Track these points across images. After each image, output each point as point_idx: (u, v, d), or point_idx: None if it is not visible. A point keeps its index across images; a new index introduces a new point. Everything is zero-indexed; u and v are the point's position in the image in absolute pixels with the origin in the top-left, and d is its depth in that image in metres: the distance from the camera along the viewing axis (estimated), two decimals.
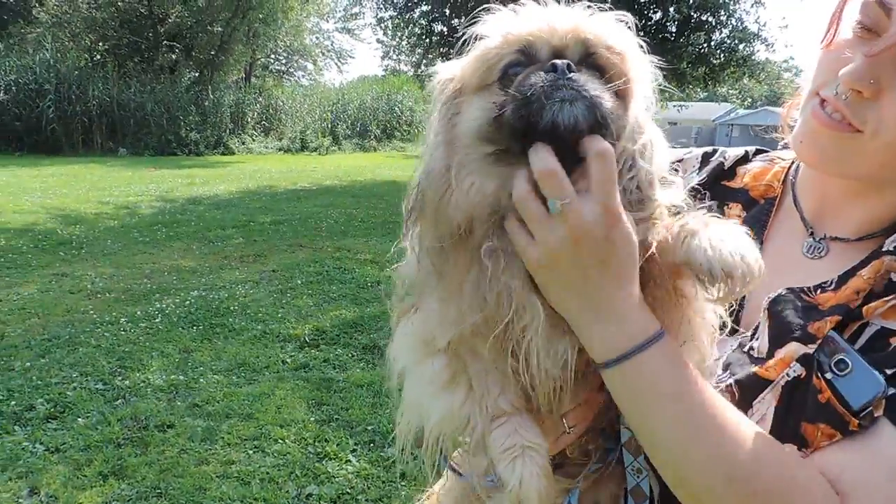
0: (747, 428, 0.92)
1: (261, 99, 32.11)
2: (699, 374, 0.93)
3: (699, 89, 24.34)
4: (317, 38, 44.81)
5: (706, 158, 1.34)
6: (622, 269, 0.92)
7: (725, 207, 1.23)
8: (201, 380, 5.33)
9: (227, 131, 29.12)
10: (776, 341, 1.04)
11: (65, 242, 9.86)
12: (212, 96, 28.82)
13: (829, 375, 0.94)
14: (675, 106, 28.00)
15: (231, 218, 12.33)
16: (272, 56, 41.42)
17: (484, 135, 0.94)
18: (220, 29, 30.77)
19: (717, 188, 1.27)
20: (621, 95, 0.94)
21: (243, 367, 5.62)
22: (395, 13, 23.26)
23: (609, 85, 0.92)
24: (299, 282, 8.21)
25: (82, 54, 28.71)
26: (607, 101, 0.90)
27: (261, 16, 31.07)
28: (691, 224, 0.94)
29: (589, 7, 0.97)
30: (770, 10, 58.82)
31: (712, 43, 20.67)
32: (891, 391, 0.91)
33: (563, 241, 0.89)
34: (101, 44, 30.12)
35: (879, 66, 0.91)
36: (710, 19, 20.33)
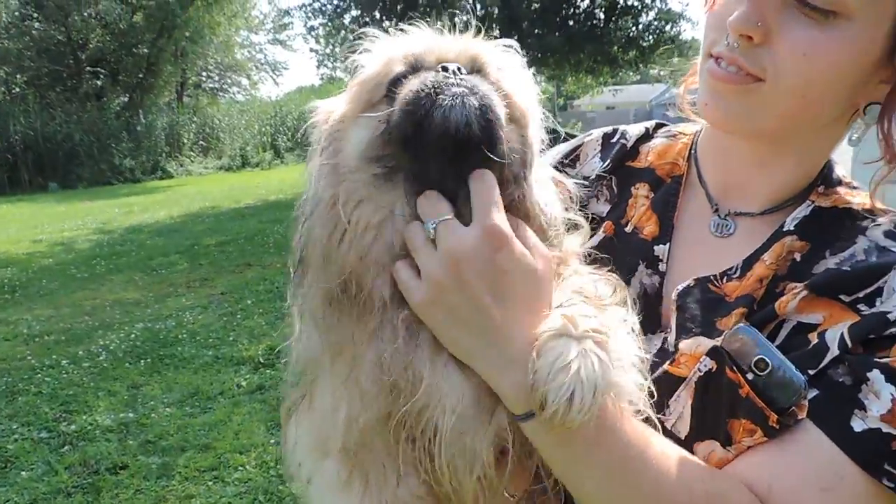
0: (670, 459, 0.88)
1: (196, 119, 31.25)
2: (616, 410, 0.85)
3: (632, 72, 24.92)
4: (248, 51, 43.88)
5: (606, 140, 1.30)
6: (522, 299, 0.85)
7: (633, 188, 1.20)
8: (153, 415, 5.12)
9: (164, 155, 28.21)
10: (683, 334, 1.01)
11: None
12: (143, 120, 27.89)
13: (750, 376, 0.91)
14: (609, 90, 28.61)
15: (174, 244, 11.93)
16: (204, 74, 40.35)
17: (371, 153, 0.87)
18: (145, 51, 29.81)
19: (622, 171, 1.24)
20: (514, 120, 0.90)
21: (196, 397, 5.43)
22: (325, 20, 22.99)
23: (501, 95, 0.87)
24: (249, 302, 8.01)
25: None
26: (499, 105, 0.85)
27: (187, 34, 30.25)
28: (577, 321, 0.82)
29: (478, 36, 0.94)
30: None
31: (640, 26, 21.17)
32: (813, 393, 0.89)
33: (443, 267, 0.83)
34: (18, 75, 28.77)
35: (763, 6, 0.89)
36: (636, 3, 20.82)
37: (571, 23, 21.33)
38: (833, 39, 0.88)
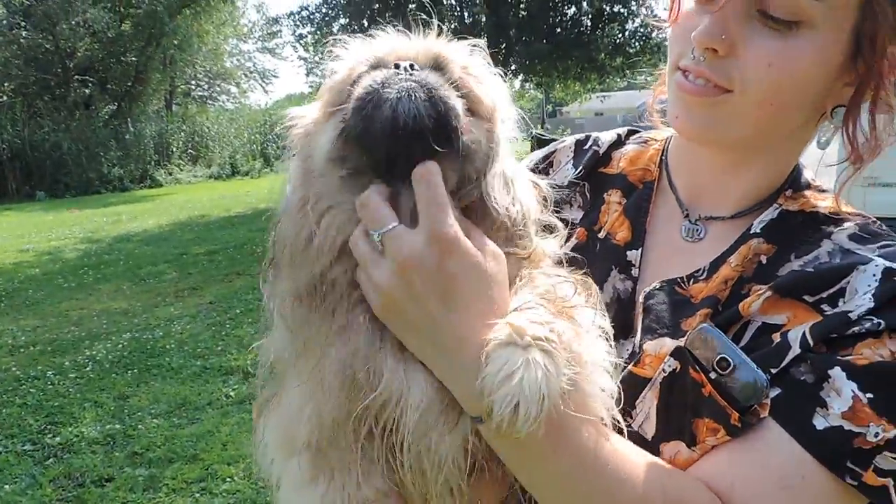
0: (627, 462, 0.87)
1: (185, 127, 31.16)
2: (572, 411, 0.83)
3: (619, 79, 25.10)
4: (237, 60, 43.93)
5: (579, 147, 1.31)
6: (474, 303, 0.84)
7: (606, 195, 1.21)
8: (140, 426, 5.08)
9: (152, 163, 28.10)
10: (647, 336, 1.02)
11: None
12: (132, 128, 27.77)
13: (713, 375, 0.92)
14: (597, 97, 28.81)
15: (163, 253, 11.87)
16: (192, 82, 40.29)
17: (335, 154, 0.87)
18: (134, 59, 29.70)
19: (594, 177, 1.25)
20: (479, 116, 0.90)
21: (184, 407, 5.39)
22: (314, 28, 23.02)
23: (458, 93, 0.87)
24: (238, 311, 7.97)
25: None
26: (453, 98, 0.84)
27: (175, 42, 30.19)
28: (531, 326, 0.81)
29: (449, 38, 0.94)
30: None
31: (626, 33, 21.36)
32: (775, 392, 0.89)
33: (392, 276, 0.82)
34: (5, 84, 28.53)
35: (725, 19, 0.90)
36: (623, 10, 21.01)
37: (559, 30, 21.50)
38: (797, 48, 0.89)
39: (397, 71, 0.85)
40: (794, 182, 1.07)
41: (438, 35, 0.94)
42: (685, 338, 0.96)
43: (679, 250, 1.11)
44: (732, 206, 1.09)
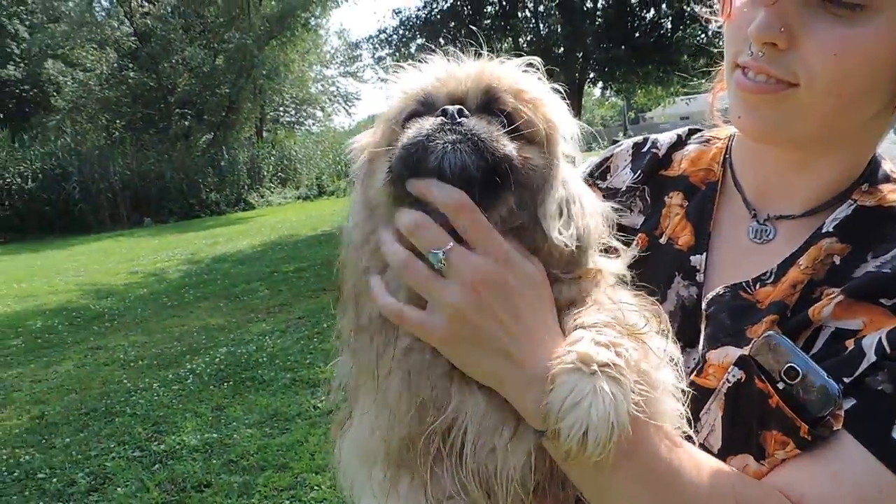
0: (702, 469, 0.84)
1: (274, 151, 32.80)
2: (641, 417, 0.81)
3: (704, 80, 24.12)
4: (322, 85, 45.80)
5: (637, 150, 1.27)
6: (534, 313, 0.84)
7: (667, 198, 1.17)
8: (235, 435, 5.35)
9: (246, 187, 29.75)
10: (711, 344, 0.97)
11: (98, 316, 10.10)
12: (227, 156, 29.56)
13: (780, 385, 0.87)
14: (682, 100, 27.82)
15: (255, 271, 12.51)
16: (281, 109, 42.43)
17: (390, 194, 0.87)
18: (227, 90, 31.68)
19: (654, 180, 1.20)
20: (537, 142, 0.88)
21: (275, 418, 5.64)
22: (392, 50, 23.70)
23: (510, 128, 0.85)
24: (326, 325, 8.24)
25: (100, 133, 29.92)
26: (505, 143, 0.83)
27: (264, 72, 31.93)
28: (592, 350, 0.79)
29: (503, 59, 0.93)
30: None
31: (710, 32, 20.54)
32: (850, 402, 0.84)
33: (463, 294, 0.81)
34: (117, 121, 31.30)
35: (783, 11, 0.86)
36: (705, 9, 20.25)
37: (637, 34, 21.01)
38: (863, 34, 0.84)
39: (444, 120, 0.84)
40: (871, 176, 1.00)
41: (490, 57, 0.93)
42: (750, 346, 0.91)
43: (747, 253, 1.05)
44: (803, 204, 1.02)
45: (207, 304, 10.32)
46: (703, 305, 1.02)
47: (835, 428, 0.84)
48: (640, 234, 1.15)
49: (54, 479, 4.89)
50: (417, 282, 0.83)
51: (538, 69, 0.94)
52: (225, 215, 26.74)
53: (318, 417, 5.55)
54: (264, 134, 38.07)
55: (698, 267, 1.07)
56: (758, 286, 0.98)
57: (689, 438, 0.88)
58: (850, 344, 0.87)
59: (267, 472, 4.70)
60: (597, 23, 21.48)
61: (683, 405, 0.87)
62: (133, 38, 30.39)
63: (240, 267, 13.29)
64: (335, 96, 47.35)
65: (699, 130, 1.25)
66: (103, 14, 30.28)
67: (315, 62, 41.61)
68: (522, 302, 0.84)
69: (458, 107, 0.85)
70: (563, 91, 0.95)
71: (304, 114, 45.98)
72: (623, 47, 20.60)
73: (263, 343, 7.79)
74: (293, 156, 33.33)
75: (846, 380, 0.84)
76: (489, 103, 0.88)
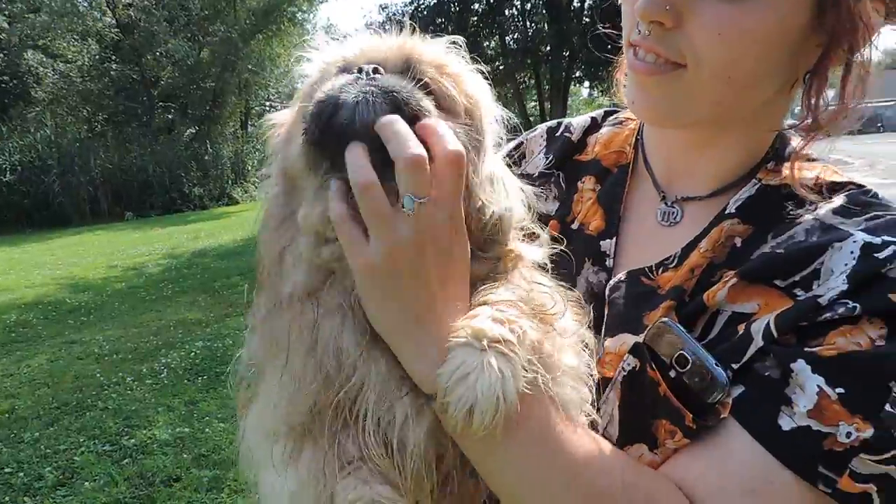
0: (590, 448, 0.82)
1: (259, 146, 32.55)
2: (530, 395, 0.79)
3: None
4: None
5: (551, 135, 1.23)
6: (457, 286, 0.82)
7: (580, 183, 1.14)
8: (207, 430, 5.31)
9: (230, 182, 29.51)
10: (610, 332, 0.95)
11: (74, 310, 9.97)
12: (211, 150, 29.31)
13: (671, 373, 0.85)
14: None
15: (235, 266, 12.40)
16: (267, 103, 42.15)
17: (307, 162, 0.84)
18: (212, 84, 31.38)
19: (568, 165, 1.17)
20: (455, 115, 0.85)
21: None
22: None
23: (427, 92, 0.83)
24: None
25: (81, 126, 29.46)
26: (418, 97, 0.81)
27: (250, 66, 31.67)
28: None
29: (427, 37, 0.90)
30: None
31: None
32: (738, 389, 0.81)
33: (408, 241, 0.77)
34: (98, 114, 30.85)
35: None
36: None
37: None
38: (750, 13, 0.79)
39: (359, 76, 0.82)
40: (777, 154, 0.96)
41: (413, 34, 0.90)
42: (644, 333, 0.89)
43: (655, 236, 1.02)
44: (708, 184, 0.99)
45: (186, 298, 10.22)
46: (606, 292, 0.99)
47: (722, 416, 0.81)
48: (552, 221, 1.13)
49: (21, 474, 4.82)
50: (373, 211, 0.77)
51: (462, 48, 0.92)
52: (208, 210, 26.51)
53: None
54: (249, 128, 37.77)
55: (608, 252, 1.04)
56: (660, 271, 0.96)
57: (593, 425, 0.87)
58: (741, 328, 0.84)
59: (238, 466, 4.66)
60: (584, 22, 21.56)
61: (591, 390, 0.86)
62: (115, 30, 29.96)
63: (220, 262, 13.18)
64: None
65: (615, 112, 1.22)
66: (85, 4, 29.81)
67: (302, 57, 41.31)
68: (454, 268, 0.82)
69: (373, 66, 0.83)
70: (486, 73, 0.92)
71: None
72: (609, 47, 20.69)
73: (241, 338, 7.69)
74: None
75: (734, 366, 0.82)
76: (408, 71, 0.86)
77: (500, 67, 23.50)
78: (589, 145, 1.19)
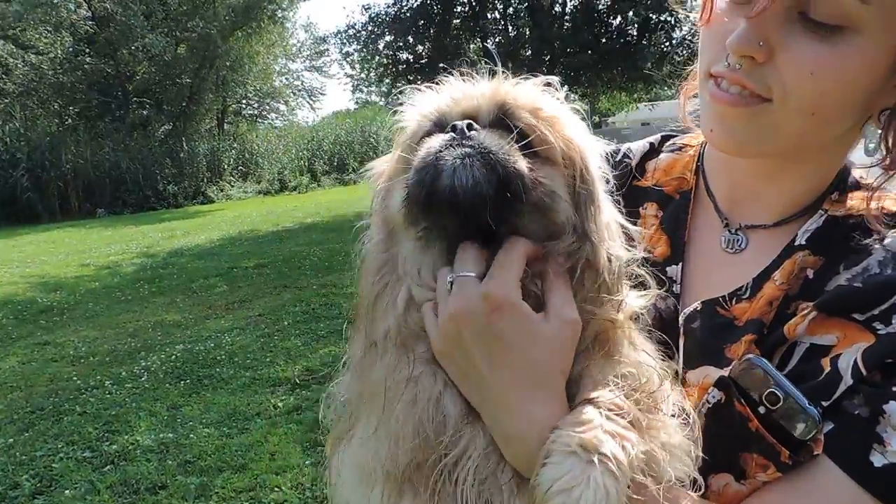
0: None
1: (236, 144, 32.09)
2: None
3: (666, 87, 24.69)
4: (286, 79, 45.06)
5: (609, 161, 1.25)
6: (521, 368, 0.82)
7: (641, 209, 1.15)
8: (191, 435, 5.19)
9: (205, 180, 29.02)
10: (689, 363, 0.96)
11: (45, 310, 9.69)
12: (186, 147, 28.79)
13: (762, 410, 0.86)
14: (645, 106, 28.42)
15: (214, 266, 12.20)
16: (243, 101, 41.58)
17: (408, 218, 0.87)
18: (188, 80, 30.85)
19: (628, 192, 1.17)
20: (553, 161, 0.86)
21: (234, 417, 5.48)
22: (360, 46, 23.47)
23: (523, 144, 0.83)
24: (286, 323, 8.10)
25: (52, 120, 28.74)
26: (516, 159, 0.81)
27: (227, 63, 31.25)
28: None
29: (519, 79, 0.91)
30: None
31: (673, 41, 20.98)
32: (828, 426, 0.83)
33: (448, 317, 0.83)
34: (70, 108, 30.14)
35: (764, 25, 0.84)
36: (669, 19, 20.67)
37: (604, 40, 21.31)
38: (841, 55, 0.82)
39: (454, 135, 0.82)
40: (841, 184, 0.99)
41: (506, 76, 0.91)
42: (730, 368, 0.90)
43: (721, 263, 1.04)
44: (774, 214, 1.01)
45: (163, 299, 10.01)
46: (681, 320, 1.00)
47: (815, 452, 0.83)
48: None
49: None
50: (438, 293, 0.86)
51: (557, 89, 0.92)
52: (183, 208, 26.04)
53: (278, 417, 5.43)
54: (225, 126, 37.25)
55: (675, 278, 1.05)
56: (734, 301, 0.97)
57: (694, 483, 0.86)
58: (827, 364, 0.86)
59: (225, 473, 4.56)
60: (564, 27, 21.72)
61: (693, 467, 0.85)
62: (91, 23, 29.31)
63: (198, 262, 12.95)
64: (300, 90, 46.74)
65: (672, 137, 1.23)
66: None
67: (280, 55, 40.91)
68: (504, 351, 0.82)
69: (467, 121, 0.84)
70: (582, 111, 0.92)
71: (268, 107, 45.15)
72: (589, 52, 20.88)
73: (221, 340, 7.59)
74: (255, 149, 32.70)
75: (824, 403, 0.84)
76: (503, 119, 0.86)
77: (482, 71, 23.52)
78: (648, 171, 1.20)
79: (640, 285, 0.92)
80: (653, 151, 1.22)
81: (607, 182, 0.93)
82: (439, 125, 0.88)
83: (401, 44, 22.64)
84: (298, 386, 6.04)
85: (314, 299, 9.15)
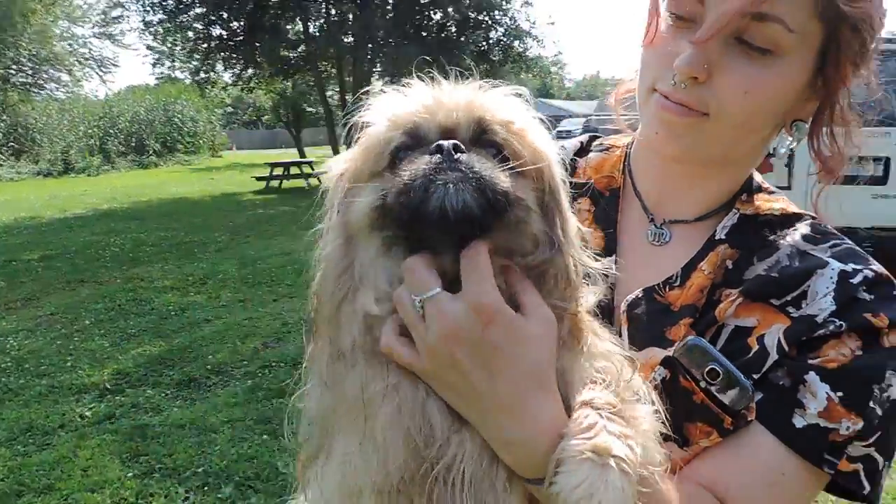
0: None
1: (5, 117, 27.49)
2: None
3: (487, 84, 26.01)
4: (70, 44, 39.39)
5: None
6: (519, 370, 0.83)
7: (576, 203, 1.21)
8: None
9: None
10: (636, 345, 1.04)
11: None
12: None
13: (702, 384, 0.98)
14: None
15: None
16: (14, 67, 35.60)
17: (372, 222, 0.86)
18: None
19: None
20: (524, 173, 0.88)
21: (30, 433, 4.72)
22: (165, 17, 21.34)
23: (504, 164, 0.85)
24: (87, 322, 7.17)
25: None
26: (502, 180, 0.83)
27: None
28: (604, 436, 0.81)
29: (481, 83, 0.92)
30: (537, 7, 64.83)
31: (490, 41, 22.16)
32: (758, 396, 0.97)
33: (438, 341, 0.81)
34: None
35: (709, 49, 0.95)
36: (487, 19, 21.77)
37: (425, 34, 21.80)
38: (771, 75, 0.96)
39: (441, 158, 0.82)
40: (748, 186, 1.15)
41: (464, 80, 0.92)
42: (673, 348, 1.02)
43: (647, 255, 1.15)
44: (695, 210, 1.14)
45: None
46: (623, 307, 1.09)
47: (749, 419, 0.97)
48: None
49: None
50: (406, 319, 0.85)
51: (525, 97, 0.94)
52: None
53: (87, 428, 4.79)
54: None
55: (610, 269, 1.14)
56: (667, 289, 1.08)
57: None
58: (754, 343, 0.99)
59: (26, 496, 3.91)
60: (388, 16, 21.80)
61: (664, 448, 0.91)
62: None
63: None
64: (87, 59, 41.15)
65: (598, 137, 1.34)
66: None
67: (62, 17, 35.68)
68: (502, 358, 0.83)
69: (453, 142, 0.83)
70: (545, 120, 0.95)
71: (46, 76, 39.15)
72: (406, 44, 21.21)
73: (6, 345, 6.49)
74: (31, 124, 28.31)
75: (755, 376, 0.98)
76: (480, 135, 0.87)
77: (303, 54, 22.75)
78: (579, 168, 1.28)
79: (587, 277, 0.98)
80: (583, 150, 1.31)
81: (566, 189, 0.97)
82: (414, 138, 0.88)
83: (213, 17, 21.04)
84: (110, 391, 5.38)
85: (120, 294, 8.21)
